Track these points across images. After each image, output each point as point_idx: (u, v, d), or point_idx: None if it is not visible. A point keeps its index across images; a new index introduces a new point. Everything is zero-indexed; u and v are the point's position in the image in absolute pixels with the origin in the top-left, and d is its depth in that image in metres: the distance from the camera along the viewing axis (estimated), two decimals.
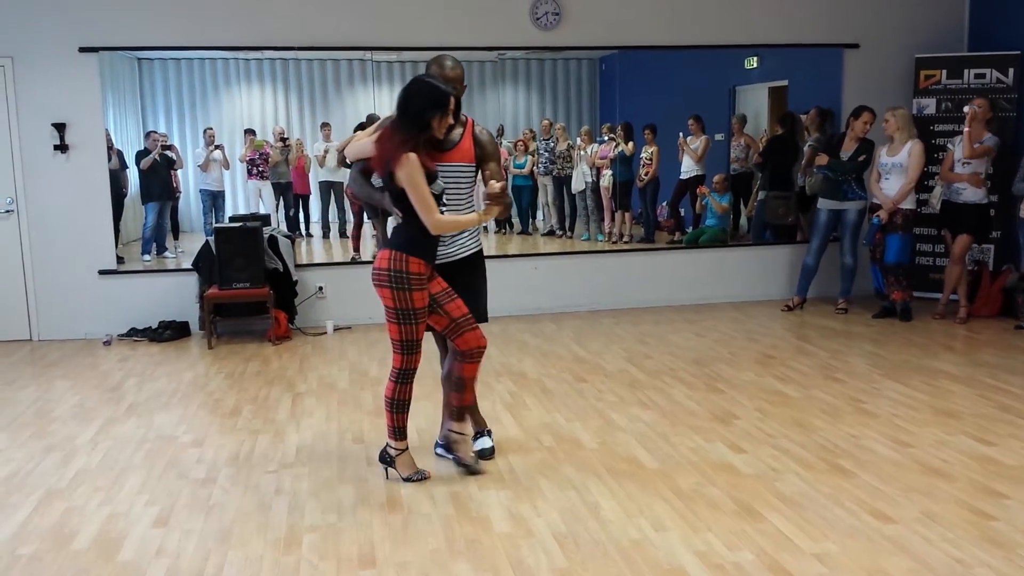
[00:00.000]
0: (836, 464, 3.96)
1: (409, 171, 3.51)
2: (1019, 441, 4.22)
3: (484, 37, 7.17)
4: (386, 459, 3.87)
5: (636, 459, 4.08)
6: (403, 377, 3.75)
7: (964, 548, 3.14)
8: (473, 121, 3.93)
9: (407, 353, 3.72)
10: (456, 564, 3.11)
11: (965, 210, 6.71)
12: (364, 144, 3.73)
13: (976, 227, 6.72)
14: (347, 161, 3.97)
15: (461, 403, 3.93)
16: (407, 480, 3.83)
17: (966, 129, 6.54)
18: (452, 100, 3.59)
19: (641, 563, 3.07)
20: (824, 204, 7.16)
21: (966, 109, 6.65)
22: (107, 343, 6.73)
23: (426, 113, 3.54)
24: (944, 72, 7.47)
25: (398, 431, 3.83)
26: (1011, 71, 7.25)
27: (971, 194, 6.68)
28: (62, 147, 6.72)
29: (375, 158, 3.64)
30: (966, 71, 7.40)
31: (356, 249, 7.88)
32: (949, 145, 6.87)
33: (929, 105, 7.53)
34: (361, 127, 7.35)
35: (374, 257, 3.85)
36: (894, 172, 6.75)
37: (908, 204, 6.76)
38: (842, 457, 4.05)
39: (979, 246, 7.21)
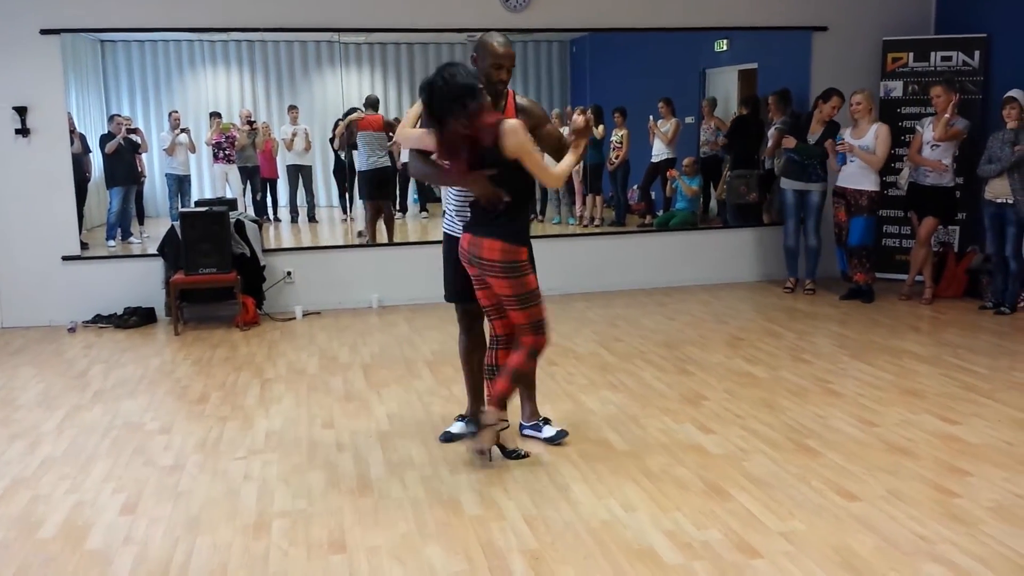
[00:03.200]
0: (803, 444, 4.00)
1: (521, 136, 3.54)
2: (982, 420, 4.28)
3: (453, 19, 7.11)
4: (483, 426, 3.77)
5: (606, 441, 4.09)
6: (534, 354, 3.75)
7: (928, 525, 3.19)
8: (514, 92, 3.90)
9: (540, 333, 3.73)
10: (427, 547, 3.11)
11: (932, 192, 6.78)
12: (417, 135, 3.72)
13: (942, 210, 6.79)
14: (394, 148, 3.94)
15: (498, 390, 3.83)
16: (482, 453, 3.78)
17: (947, 116, 6.58)
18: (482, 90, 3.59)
19: (611, 543, 3.09)
20: (788, 185, 7.22)
21: (935, 96, 6.70)
22: (72, 330, 6.64)
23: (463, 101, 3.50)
24: (911, 55, 7.53)
25: (505, 402, 3.79)
26: (977, 54, 7.32)
27: (937, 177, 6.74)
28: (23, 131, 6.59)
29: (448, 146, 3.58)
30: (933, 54, 7.46)
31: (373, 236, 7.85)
32: (918, 127, 6.93)
33: (896, 88, 7.59)
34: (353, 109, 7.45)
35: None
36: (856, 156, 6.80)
37: (873, 186, 6.81)
38: (809, 437, 4.09)
39: (945, 228, 7.29)
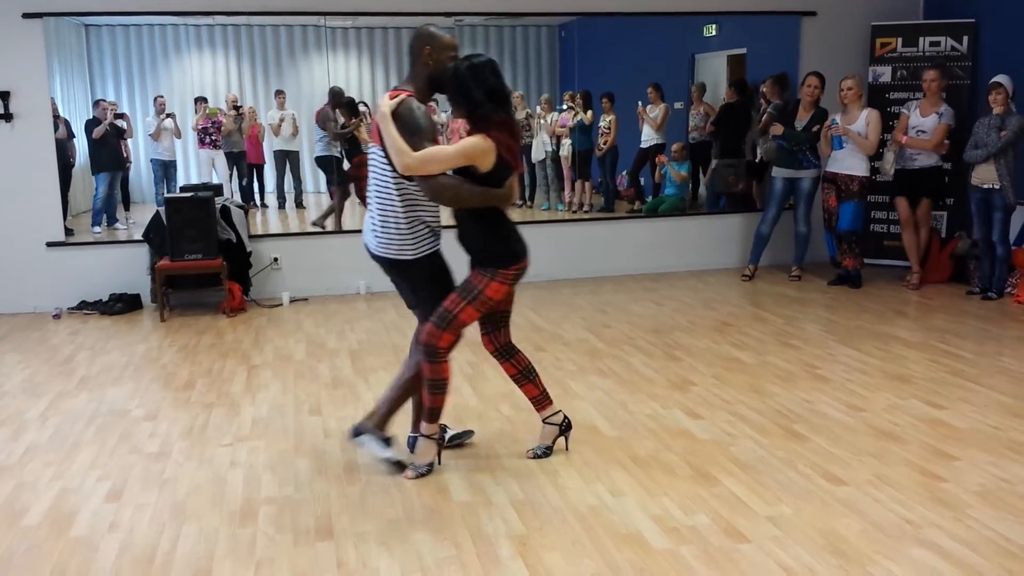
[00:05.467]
0: (790, 428, 4.01)
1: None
2: (969, 404, 4.30)
3: (441, 3, 7.06)
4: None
5: (594, 427, 4.09)
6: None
7: (914, 509, 3.20)
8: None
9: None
10: (415, 533, 3.10)
11: (922, 175, 6.79)
12: (464, 147, 3.30)
13: (935, 190, 6.82)
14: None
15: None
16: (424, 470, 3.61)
17: (929, 141, 6.62)
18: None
19: (599, 528, 3.09)
20: (779, 172, 7.21)
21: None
22: (57, 316, 6.59)
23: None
24: (899, 40, 7.52)
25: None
26: (965, 39, 7.31)
27: (926, 159, 6.77)
28: (6, 116, 6.51)
29: (515, 152, 3.36)
30: (921, 39, 7.46)
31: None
32: (903, 110, 6.93)
33: (885, 73, 7.58)
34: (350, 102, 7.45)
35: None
36: (849, 140, 6.80)
37: (863, 172, 6.82)
38: (796, 422, 4.10)
39: (933, 212, 7.30)
